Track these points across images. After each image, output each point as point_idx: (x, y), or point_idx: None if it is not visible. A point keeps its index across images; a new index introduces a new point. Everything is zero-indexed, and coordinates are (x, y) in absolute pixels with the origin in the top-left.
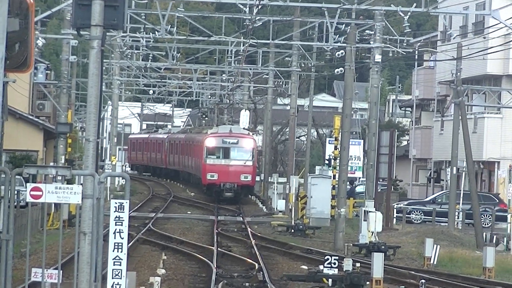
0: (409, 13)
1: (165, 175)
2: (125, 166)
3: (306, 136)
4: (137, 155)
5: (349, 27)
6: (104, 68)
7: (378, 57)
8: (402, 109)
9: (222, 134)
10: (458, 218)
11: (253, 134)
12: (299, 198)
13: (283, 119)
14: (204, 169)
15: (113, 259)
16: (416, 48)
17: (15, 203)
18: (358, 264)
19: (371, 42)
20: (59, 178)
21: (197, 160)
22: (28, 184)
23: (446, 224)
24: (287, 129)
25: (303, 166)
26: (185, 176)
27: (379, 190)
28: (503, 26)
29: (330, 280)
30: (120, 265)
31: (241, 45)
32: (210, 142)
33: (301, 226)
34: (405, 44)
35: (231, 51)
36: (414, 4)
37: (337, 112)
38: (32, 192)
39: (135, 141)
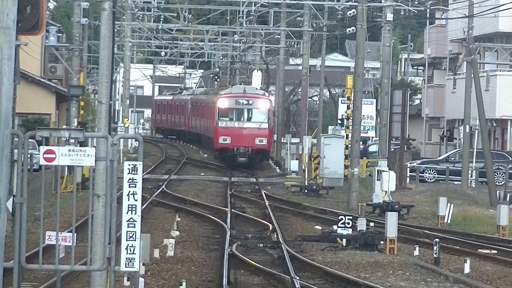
0: None
1: (188, 139)
2: (137, 129)
3: (318, 96)
4: (161, 118)
5: None
6: (115, 30)
7: (389, 16)
8: (414, 67)
9: (236, 95)
10: (471, 176)
11: (268, 94)
12: (312, 159)
13: (295, 79)
14: (216, 132)
15: (127, 221)
16: (428, 6)
17: (28, 167)
18: (372, 224)
19: (383, 1)
20: (72, 141)
21: (210, 123)
22: (41, 147)
23: (460, 182)
24: (300, 90)
25: (316, 126)
26: (206, 140)
27: (392, 150)
28: None
29: (344, 240)
30: (134, 227)
31: (253, 5)
32: (223, 103)
33: (314, 187)
34: (416, 2)
35: (243, 11)
36: None
37: (349, 71)
38: (45, 155)
39: (160, 104)
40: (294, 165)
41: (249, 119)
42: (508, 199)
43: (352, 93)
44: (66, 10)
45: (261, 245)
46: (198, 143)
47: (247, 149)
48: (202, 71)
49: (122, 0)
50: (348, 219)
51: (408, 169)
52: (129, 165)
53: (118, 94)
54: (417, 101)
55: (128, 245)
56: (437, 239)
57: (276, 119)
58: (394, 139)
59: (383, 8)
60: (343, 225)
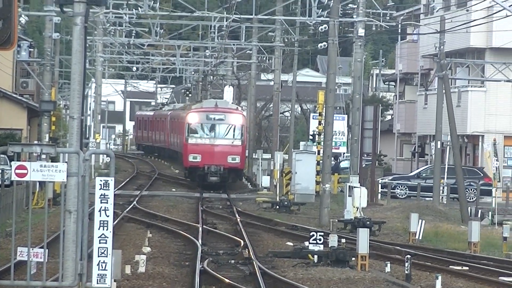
0: None
1: (168, 157)
2: (109, 144)
3: (290, 111)
4: (143, 135)
5: (332, 1)
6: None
7: (361, 31)
8: (385, 83)
9: (207, 109)
10: (443, 192)
11: (241, 109)
12: (284, 174)
13: (267, 95)
14: (185, 149)
15: (98, 237)
16: (399, 22)
17: (0, 182)
18: (343, 240)
19: (354, 16)
20: (44, 156)
21: (180, 139)
22: (12, 162)
23: (431, 198)
24: (271, 105)
25: (287, 142)
26: (180, 157)
27: (363, 165)
28: None
29: (315, 256)
30: (105, 243)
31: (224, 20)
32: (193, 118)
33: (286, 202)
34: (388, 18)
35: (214, 26)
36: None
37: (321, 87)
38: (17, 171)
39: (141, 119)
40: (265, 181)
41: (221, 136)
42: (479, 216)
43: (324, 108)
44: (37, 25)
45: (233, 261)
46: (176, 161)
47: (219, 167)
48: (173, 86)
49: (94, 15)
50: (319, 235)
51: (380, 185)
52: (100, 180)
53: (90, 109)
54: (389, 117)
55: (99, 261)
56: (408, 256)
57: (247, 134)
58: (365, 155)
59: (354, 23)
60: (315, 241)
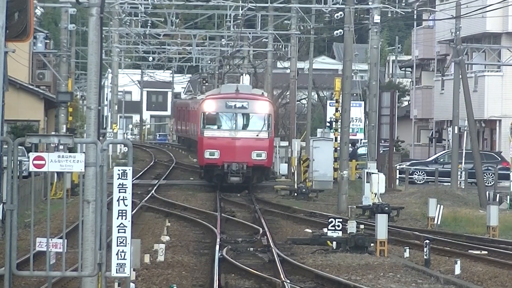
0: None
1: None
2: (126, 134)
3: (307, 99)
4: (181, 126)
5: None
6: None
7: (377, 18)
8: (402, 69)
9: (226, 95)
10: (460, 177)
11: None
12: (302, 162)
13: (284, 83)
14: (201, 144)
15: (117, 227)
16: (415, 8)
17: (18, 173)
18: (362, 226)
19: (370, 3)
20: (61, 147)
21: (196, 131)
22: (30, 153)
23: (449, 184)
24: (288, 93)
25: (304, 129)
26: None
27: (381, 152)
28: None
29: (334, 242)
30: (124, 232)
31: (240, 9)
32: (209, 106)
33: (304, 190)
34: (403, 4)
35: (230, 15)
36: None
37: (337, 74)
38: (35, 162)
39: (180, 109)
40: (283, 168)
41: (243, 127)
42: (497, 200)
43: (341, 95)
44: (53, 16)
45: (252, 249)
46: None
47: (241, 165)
48: (190, 75)
49: (110, 6)
50: (338, 221)
51: (397, 171)
52: (118, 170)
53: (107, 99)
54: (406, 103)
55: (118, 250)
56: (427, 241)
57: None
58: (383, 141)
59: (370, 10)
60: (333, 228)
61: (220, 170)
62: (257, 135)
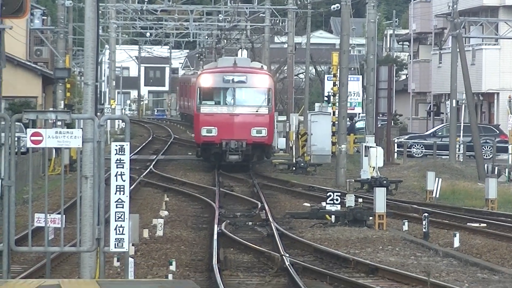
0: None
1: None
2: (124, 110)
3: (304, 73)
4: (183, 101)
5: None
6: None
7: None
8: (399, 43)
9: (223, 69)
10: (459, 150)
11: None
12: (300, 136)
13: (281, 57)
14: (197, 120)
15: (115, 202)
16: None
17: (16, 150)
18: (360, 200)
19: None
20: (59, 123)
21: (192, 107)
22: (28, 129)
23: (447, 157)
24: (285, 67)
25: (302, 104)
26: None
27: (379, 125)
28: None
29: (333, 216)
30: (122, 207)
31: None
32: (205, 80)
33: (302, 164)
34: None
35: None
36: None
37: (334, 48)
38: (32, 138)
39: (183, 84)
40: (281, 143)
41: (242, 103)
42: (496, 173)
43: (338, 70)
44: None
45: (250, 223)
46: None
47: (240, 143)
48: (187, 51)
49: None
50: (336, 195)
51: (396, 145)
52: (116, 146)
53: (104, 75)
54: (403, 77)
55: (117, 225)
56: (426, 214)
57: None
58: (380, 115)
59: None
60: (332, 202)
61: (218, 148)
62: (257, 111)
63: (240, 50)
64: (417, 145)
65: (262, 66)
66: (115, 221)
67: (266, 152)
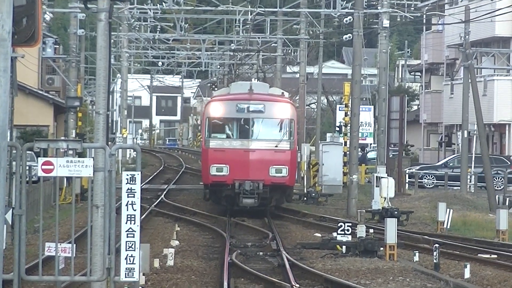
0: None
1: None
2: (136, 139)
3: (316, 103)
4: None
5: None
6: (112, 40)
7: (386, 22)
8: (411, 74)
9: (237, 96)
10: (470, 181)
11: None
12: (311, 166)
13: (293, 87)
14: (205, 157)
15: (126, 231)
16: (424, 12)
17: (27, 178)
18: (371, 230)
19: (379, 7)
20: (70, 152)
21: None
22: (39, 158)
23: (459, 188)
24: (297, 97)
25: (314, 134)
26: None
27: (390, 156)
28: None
29: (344, 247)
30: (133, 237)
31: (249, 14)
32: (216, 109)
33: (313, 194)
34: (412, 8)
35: (239, 20)
36: None
37: (346, 78)
38: (43, 167)
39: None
40: None
41: (259, 136)
42: (507, 204)
43: (350, 100)
44: (62, 21)
45: (261, 253)
46: None
47: (256, 184)
48: (199, 80)
49: (119, 11)
50: (347, 226)
51: (407, 175)
52: (127, 175)
53: (116, 104)
54: (415, 107)
55: (127, 255)
56: (437, 245)
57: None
58: (392, 145)
59: (379, 14)
60: (343, 232)
61: (230, 190)
62: (276, 146)
63: (252, 80)
64: (429, 176)
65: (282, 92)
66: (126, 250)
67: (287, 195)
